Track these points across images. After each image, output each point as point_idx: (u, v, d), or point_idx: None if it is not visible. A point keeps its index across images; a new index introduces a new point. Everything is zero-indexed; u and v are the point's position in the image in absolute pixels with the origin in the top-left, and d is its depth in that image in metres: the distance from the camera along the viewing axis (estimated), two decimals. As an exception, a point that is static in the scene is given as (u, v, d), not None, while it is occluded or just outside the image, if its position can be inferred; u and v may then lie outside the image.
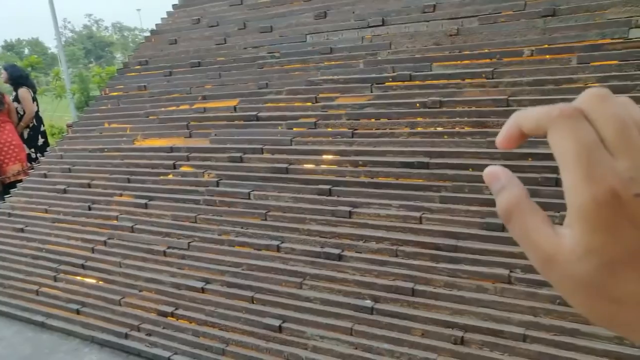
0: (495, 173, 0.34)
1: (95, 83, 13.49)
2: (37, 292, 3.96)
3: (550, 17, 3.03)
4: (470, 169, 2.97)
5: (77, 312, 3.74)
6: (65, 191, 4.41)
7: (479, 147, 3.00)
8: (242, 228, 3.52)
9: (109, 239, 3.98)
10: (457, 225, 2.92)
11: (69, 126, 7.19)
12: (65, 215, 4.29)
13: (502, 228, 2.80)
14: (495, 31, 3.15)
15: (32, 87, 7.02)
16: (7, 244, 4.37)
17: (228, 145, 3.78)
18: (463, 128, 3.07)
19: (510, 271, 2.71)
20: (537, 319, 2.59)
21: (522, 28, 3.08)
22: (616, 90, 2.79)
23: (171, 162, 3.97)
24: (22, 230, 4.39)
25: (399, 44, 3.42)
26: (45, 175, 4.62)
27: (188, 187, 3.84)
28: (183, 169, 3.93)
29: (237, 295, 3.31)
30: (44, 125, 7.38)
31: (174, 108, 4.15)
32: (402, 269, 2.95)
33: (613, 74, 2.82)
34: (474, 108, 3.07)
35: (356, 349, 2.90)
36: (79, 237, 4.12)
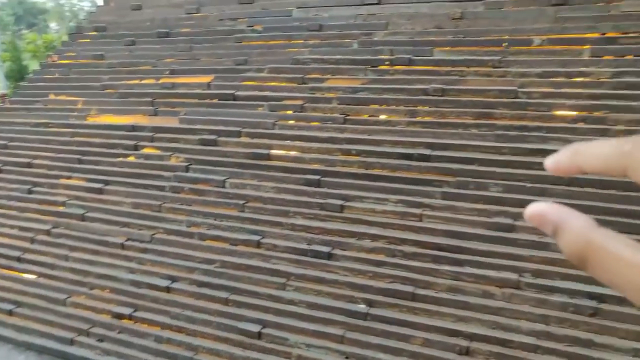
0: (540, 214, 0.27)
1: (30, 52, 12.04)
2: (-37, 288, 3.21)
3: (561, 6, 2.70)
4: (476, 164, 2.62)
5: (10, 313, 3.06)
6: (0, 171, 3.64)
7: (485, 140, 2.65)
8: (215, 220, 2.98)
9: (53, 227, 3.31)
10: (461, 225, 2.56)
11: (1, 96, 6.18)
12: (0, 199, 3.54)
13: (511, 229, 2.47)
14: (502, 17, 2.80)
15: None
16: None
17: (200, 126, 3.21)
18: (468, 119, 2.70)
19: (520, 275, 2.38)
20: (548, 328, 2.28)
21: (532, 15, 2.75)
22: (630, 86, 2.52)
23: (132, 142, 3.34)
24: (-54, 214, 3.58)
25: (397, 24, 3.00)
26: (-24, 151, 3.81)
27: (152, 172, 3.24)
28: (146, 150, 3.32)
29: (209, 296, 2.79)
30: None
31: (136, 82, 3.51)
32: (400, 270, 2.55)
33: (627, 69, 2.54)
34: (479, 98, 2.71)
35: (348, 358, 2.48)
36: (15, 225, 3.42)
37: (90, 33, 3.85)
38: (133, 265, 2.99)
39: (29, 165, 3.60)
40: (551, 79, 2.65)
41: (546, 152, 2.54)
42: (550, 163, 0.29)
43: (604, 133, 2.49)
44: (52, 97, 3.74)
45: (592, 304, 2.26)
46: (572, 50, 2.66)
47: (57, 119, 3.63)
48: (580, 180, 2.44)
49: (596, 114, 2.53)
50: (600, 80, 2.59)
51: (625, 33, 2.60)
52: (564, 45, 2.68)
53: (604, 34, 2.63)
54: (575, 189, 2.46)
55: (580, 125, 2.54)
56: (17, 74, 10.51)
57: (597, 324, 2.24)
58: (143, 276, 2.94)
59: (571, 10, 2.71)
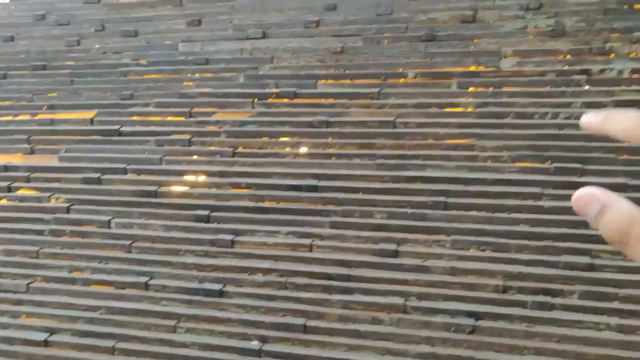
0: (590, 194, 0.29)
1: None
2: None
3: (430, 42, 2.86)
4: (361, 193, 2.65)
5: None
6: None
7: (368, 169, 2.70)
8: (99, 263, 2.76)
9: None
10: (349, 253, 2.56)
11: None
12: None
13: (395, 254, 2.51)
14: (379, 52, 2.89)
15: None
16: None
17: (82, 165, 2.98)
18: (351, 149, 2.74)
19: (406, 299, 2.43)
20: (434, 349, 2.33)
21: (405, 50, 2.87)
22: (493, 115, 2.69)
23: (5, 183, 3.02)
24: None
25: (282, 58, 3.00)
26: None
27: (28, 215, 2.94)
28: (21, 192, 3.01)
29: (93, 347, 2.55)
30: None
31: (9, 118, 3.19)
32: (292, 303, 2.50)
33: (489, 100, 2.72)
34: (361, 129, 2.76)
35: (242, 399, 2.36)
36: None
37: (-44, 66, 3.46)
38: (5, 320, 2.67)
39: None
40: (425, 110, 2.76)
41: (425, 179, 2.64)
42: (584, 122, 0.34)
43: (473, 159, 2.64)
44: None
45: (471, 322, 2.34)
46: (442, 83, 2.80)
47: None
48: (461, 204, 2.55)
49: (465, 141, 2.67)
50: (467, 110, 2.75)
51: (486, 67, 2.79)
52: (434, 79, 2.82)
53: (468, 68, 2.81)
54: (452, 212, 2.56)
55: (453, 152, 2.66)
56: None
57: (476, 340, 2.32)
58: (17, 331, 2.63)
59: (439, 46, 2.87)
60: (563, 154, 2.57)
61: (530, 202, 2.52)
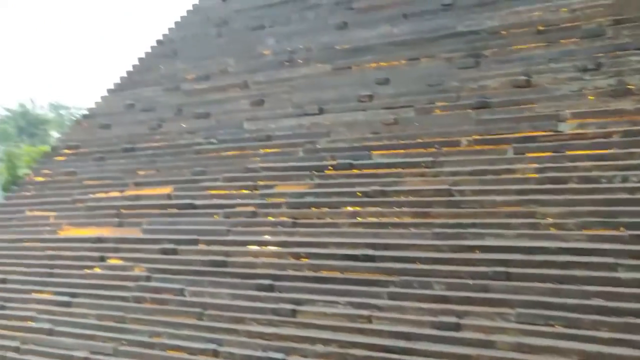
0: None
1: (26, 162, 12.01)
2: None
3: (482, 109, 2.69)
4: (418, 262, 2.47)
5: None
6: (-25, 288, 3.44)
7: (424, 238, 2.52)
8: (174, 329, 2.77)
9: (22, 344, 3.06)
10: (408, 325, 2.36)
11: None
12: (-26, 316, 3.31)
13: (457, 327, 2.28)
14: (431, 121, 2.77)
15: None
16: None
17: (161, 236, 3.07)
18: (406, 218, 2.59)
19: (469, 378, 2.16)
20: None
21: (457, 119, 2.72)
22: (554, 181, 2.44)
23: (98, 254, 3.18)
24: None
25: (338, 132, 2.97)
26: (-46, 269, 3.63)
27: (116, 282, 3.05)
28: (111, 261, 3.16)
29: (167, 413, 2.51)
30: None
31: (103, 195, 3.41)
32: (352, 376, 2.32)
33: (548, 165, 2.48)
34: (416, 198, 2.61)
35: None
36: (-13, 342, 3.16)
37: (64, 151, 3.80)
38: (92, 383, 2.74)
39: (3, 281, 3.40)
40: (481, 177, 2.57)
41: (484, 248, 2.42)
42: None
43: (534, 227, 2.38)
44: (27, 213, 3.62)
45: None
46: (497, 149, 2.61)
47: (31, 234, 3.48)
48: (525, 275, 2.29)
49: (525, 208, 2.43)
50: (525, 176, 2.52)
51: (543, 131, 2.56)
52: (489, 145, 2.63)
53: (523, 133, 2.59)
54: (515, 283, 2.30)
55: (512, 220, 2.43)
56: (13, 185, 10.45)
57: None
58: (102, 395, 2.68)
59: (492, 113, 2.69)
60: (637, 219, 2.24)
61: (603, 273, 2.20)
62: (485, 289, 2.32)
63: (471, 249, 2.42)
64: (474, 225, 2.46)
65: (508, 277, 2.31)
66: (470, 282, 2.35)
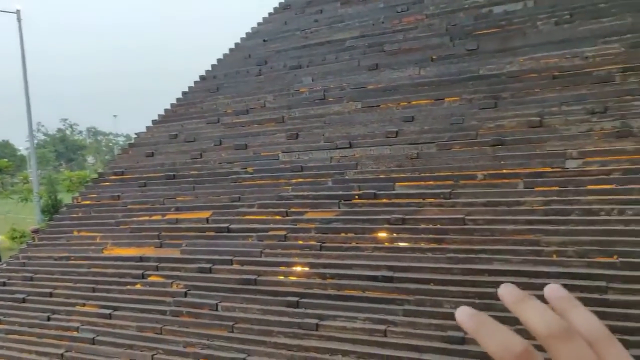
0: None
1: (65, 187, 13.82)
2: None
3: (498, 146, 3.56)
4: (432, 284, 3.29)
5: None
6: (24, 300, 4.50)
7: (439, 262, 3.35)
8: (208, 340, 3.67)
9: (66, 351, 4.04)
10: (419, 339, 3.16)
11: (34, 232, 7.32)
12: (21, 327, 4.34)
13: (463, 341, 3.06)
14: (450, 157, 3.66)
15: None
16: (-46, 356, 4.34)
17: (198, 256, 4.04)
18: (423, 244, 3.44)
19: (472, 385, 2.92)
20: None
21: (475, 155, 3.60)
22: (558, 213, 3.25)
23: (140, 271, 4.17)
24: (-28, 341, 4.39)
25: (365, 164, 3.90)
26: (4, 284, 4.72)
27: (155, 297, 4.01)
28: (151, 278, 4.13)
29: (199, 413, 3.37)
30: None
31: (146, 218, 4.44)
32: (367, 383, 3.12)
33: (554, 198, 3.29)
34: (433, 225, 3.47)
35: None
36: (33, 350, 4.15)
37: (110, 177, 4.93)
38: (133, 384, 3.65)
39: (50, 294, 4.44)
40: (493, 208, 3.41)
41: (491, 272, 3.24)
42: (459, 315, 0.35)
43: (538, 254, 3.17)
44: (75, 233, 4.71)
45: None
46: (509, 183, 3.45)
47: (77, 252, 4.55)
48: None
49: (531, 237, 3.23)
50: (533, 208, 3.34)
51: (551, 168, 3.39)
52: (502, 179, 3.48)
53: (534, 169, 3.44)
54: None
55: (519, 247, 3.23)
56: (52, 209, 12.06)
57: None
58: (141, 395, 3.58)
59: (506, 149, 3.56)
60: (630, 249, 3.01)
61: (596, 295, 2.95)
62: (490, 308, 3.11)
63: (480, 272, 3.23)
64: (484, 251, 3.28)
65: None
66: (477, 301, 3.15)
